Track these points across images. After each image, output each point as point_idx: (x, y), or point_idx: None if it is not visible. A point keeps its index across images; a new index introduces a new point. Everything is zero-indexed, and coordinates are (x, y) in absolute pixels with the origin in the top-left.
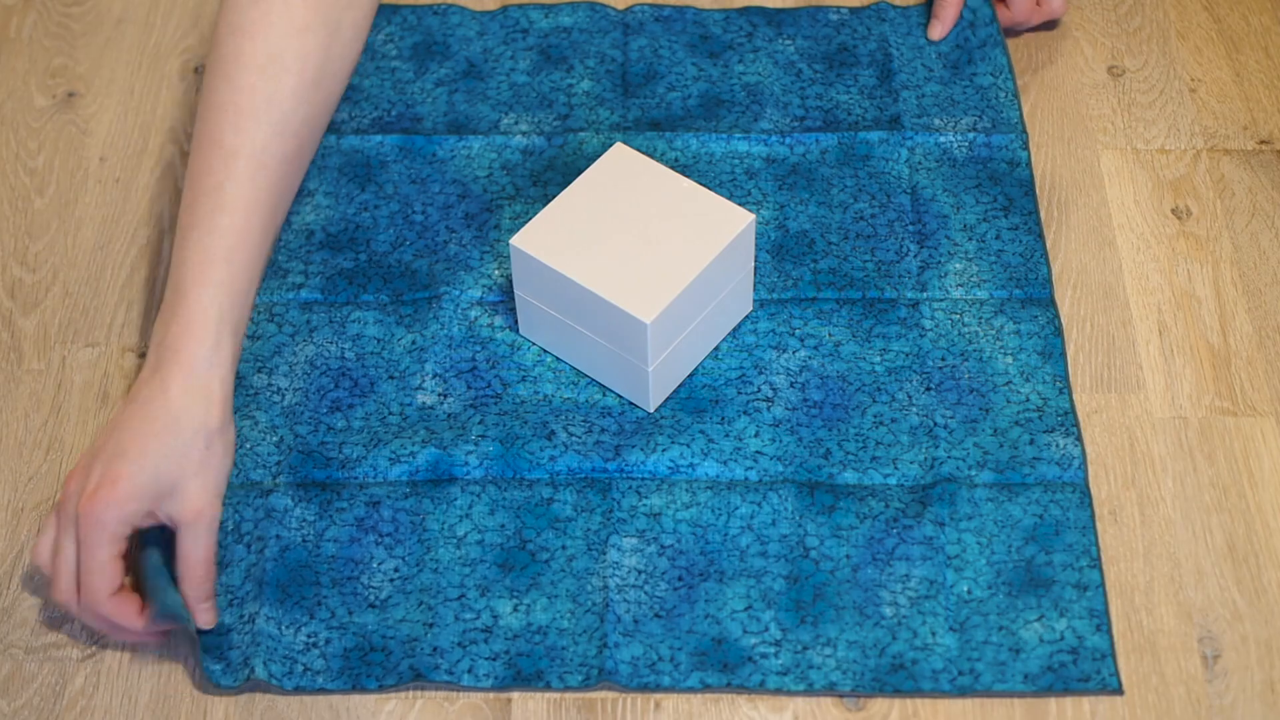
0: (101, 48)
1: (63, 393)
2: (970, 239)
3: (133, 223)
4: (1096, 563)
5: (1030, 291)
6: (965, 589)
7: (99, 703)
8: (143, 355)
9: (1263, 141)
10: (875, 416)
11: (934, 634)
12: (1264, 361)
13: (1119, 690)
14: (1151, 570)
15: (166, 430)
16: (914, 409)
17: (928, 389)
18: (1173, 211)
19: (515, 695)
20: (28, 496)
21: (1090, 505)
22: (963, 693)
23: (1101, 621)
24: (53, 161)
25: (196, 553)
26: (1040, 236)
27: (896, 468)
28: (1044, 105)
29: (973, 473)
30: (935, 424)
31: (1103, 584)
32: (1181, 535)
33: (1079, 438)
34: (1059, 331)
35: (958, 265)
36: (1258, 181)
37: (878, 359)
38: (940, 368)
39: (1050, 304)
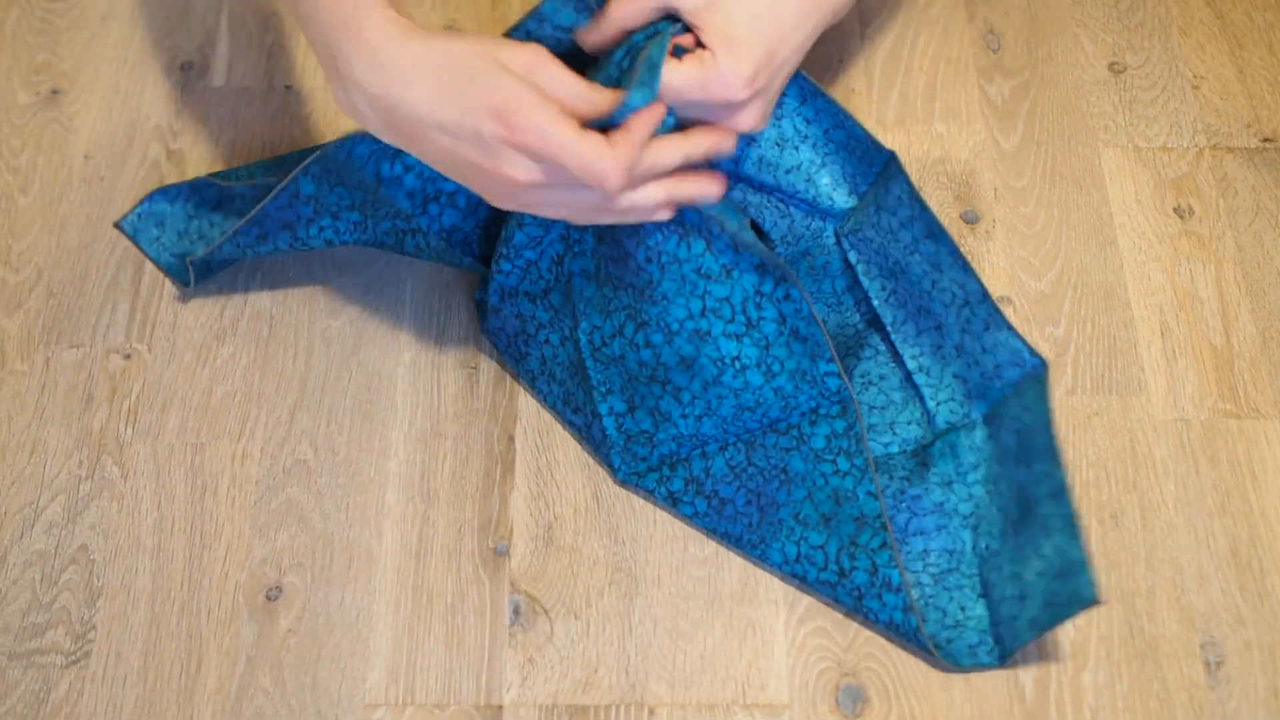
0: (86, 44)
1: (46, 395)
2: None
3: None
4: (1059, 461)
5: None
6: (984, 545)
7: (83, 710)
8: (127, 357)
9: (1266, 139)
10: (863, 376)
11: (963, 609)
12: (1268, 363)
13: (1095, 601)
14: (1153, 575)
15: (449, 67)
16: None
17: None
18: (1175, 210)
19: (507, 702)
20: (10, 500)
21: (1048, 396)
22: (1000, 663)
23: (1074, 529)
24: (36, 160)
25: (568, 89)
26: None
27: (895, 432)
28: (1044, 102)
29: (966, 411)
30: (913, 369)
31: (1066, 484)
32: (1184, 539)
33: (1009, 325)
34: (923, 205)
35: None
36: (1261, 180)
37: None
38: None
39: (890, 168)
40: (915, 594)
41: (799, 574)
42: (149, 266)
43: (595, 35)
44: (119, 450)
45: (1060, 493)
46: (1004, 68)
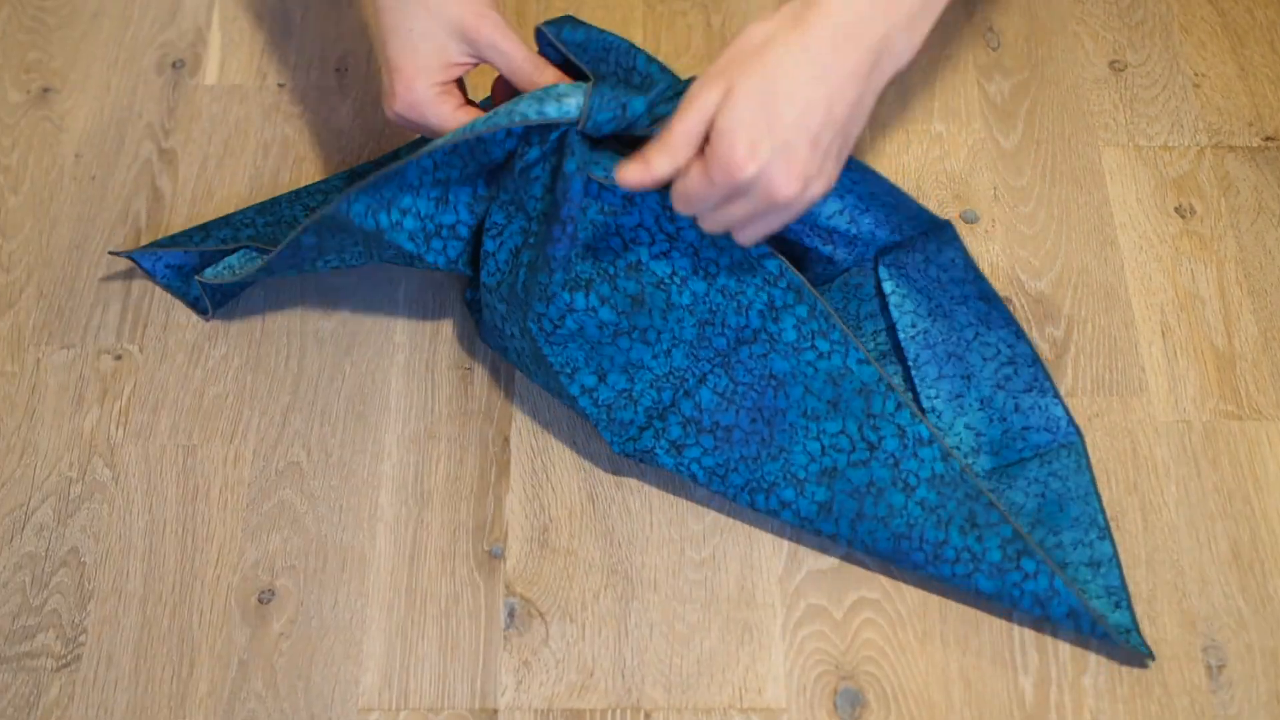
0: (77, 42)
1: (36, 396)
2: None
3: (109, 221)
4: (1106, 533)
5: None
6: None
7: (74, 714)
8: (119, 357)
9: (1268, 138)
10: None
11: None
12: (1269, 364)
13: (1149, 655)
14: (1154, 578)
15: (400, 6)
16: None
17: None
18: (1176, 210)
19: (501, 706)
20: (0, 502)
21: (1089, 468)
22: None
23: (1120, 598)
24: (26, 158)
25: (513, 60)
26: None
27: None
28: (1044, 101)
29: (970, 462)
30: (925, 409)
31: (1115, 555)
32: (1185, 542)
33: (1056, 393)
34: (979, 274)
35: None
36: (1263, 179)
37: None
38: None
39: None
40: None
41: (830, 465)
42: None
43: (649, 174)
44: (110, 452)
45: (1102, 563)
46: (1003, 66)
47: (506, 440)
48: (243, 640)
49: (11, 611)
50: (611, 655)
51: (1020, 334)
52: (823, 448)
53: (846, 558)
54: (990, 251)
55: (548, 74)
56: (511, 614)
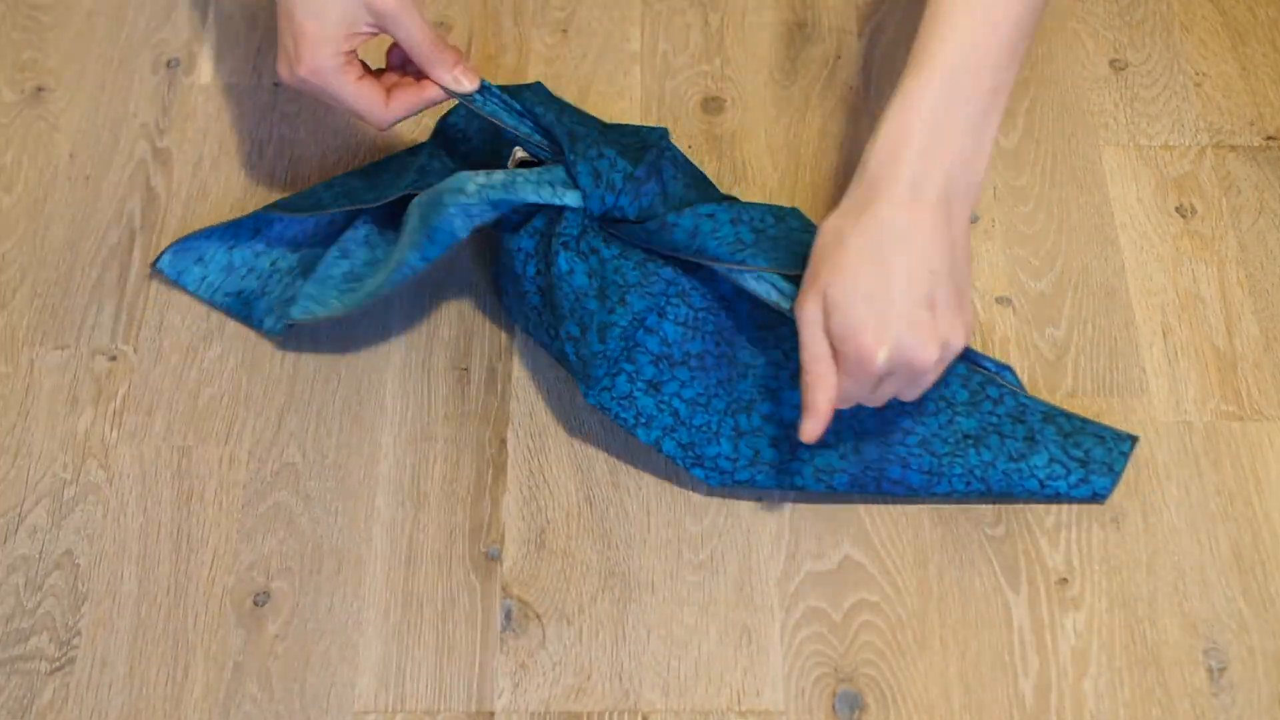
0: (71, 41)
1: (30, 397)
2: None
3: (103, 221)
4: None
5: None
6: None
7: (68, 717)
8: (113, 358)
9: (1270, 137)
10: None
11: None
12: (1271, 365)
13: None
14: (1155, 580)
15: None
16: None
17: None
18: (1177, 210)
19: (498, 709)
20: None
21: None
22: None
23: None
24: (21, 158)
25: (414, 34)
26: None
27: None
28: (1043, 100)
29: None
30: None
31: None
32: (1186, 544)
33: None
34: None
35: None
36: (1265, 178)
37: None
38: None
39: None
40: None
41: (795, 368)
42: (135, 267)
43: (818, 428)
44: (104, 453)
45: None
46: None
47: (503, 442)
48: (238, 643)
49: (5, 614)
50: (609, 658)
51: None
52: (784, 354)
53: (845, 560)
54: (990, 251)
55: (447, 55)
56: (508, 616)
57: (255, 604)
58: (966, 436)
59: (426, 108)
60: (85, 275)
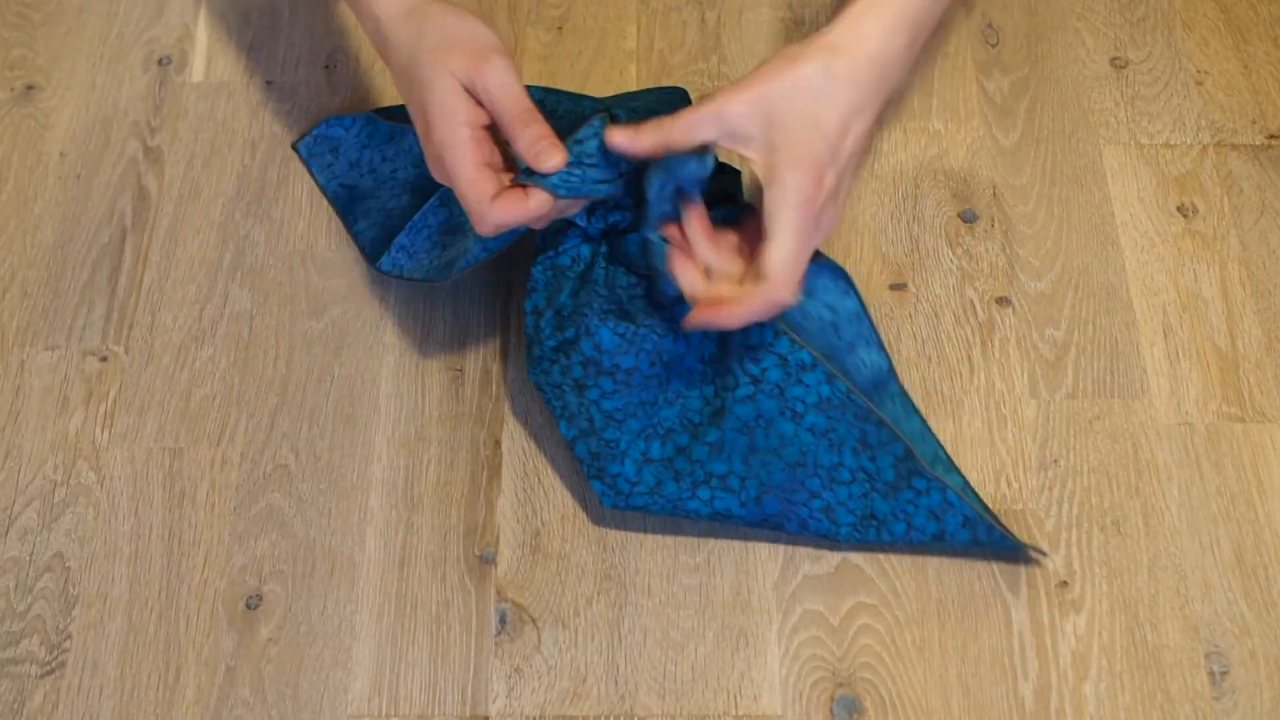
0: (62, 38)
1: (21, 398)
2: None
3: (94, 221)
4: (951, 465)
5: None
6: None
7: None
8: (104, 359)
9: (1272, 136)
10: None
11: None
12: (1273, 365)
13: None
14: (1156, 583)
15: (410, 50)
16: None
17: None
18: (1178, 209)
19: (493, 713)
20: None
21: (917, 411)
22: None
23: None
24: (11, 157)
25: (504, 92)
26: None
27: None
28: (1044, 98)
29: None
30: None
31: (966, 485)
32: (1188, 546)
33: (880, 345)
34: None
35: None
36: (1267, 178)
37: None
38: None
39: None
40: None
41: (720, 405)
42: (126, 267)
43: (634, 143)
44: (95, 455)
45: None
46: (1003, 63)
47: (498, 443)
48: (230, 646)
49: None
50: (604, 662)
51: (848, 289)
52: (715, 389)
53: (843, 563)
54: (989, 251)
55: (534, 126)
56: (503, 620)
57: (248, 607)
58: (872, 516)
59: (529, 222)
60: (76, 275)
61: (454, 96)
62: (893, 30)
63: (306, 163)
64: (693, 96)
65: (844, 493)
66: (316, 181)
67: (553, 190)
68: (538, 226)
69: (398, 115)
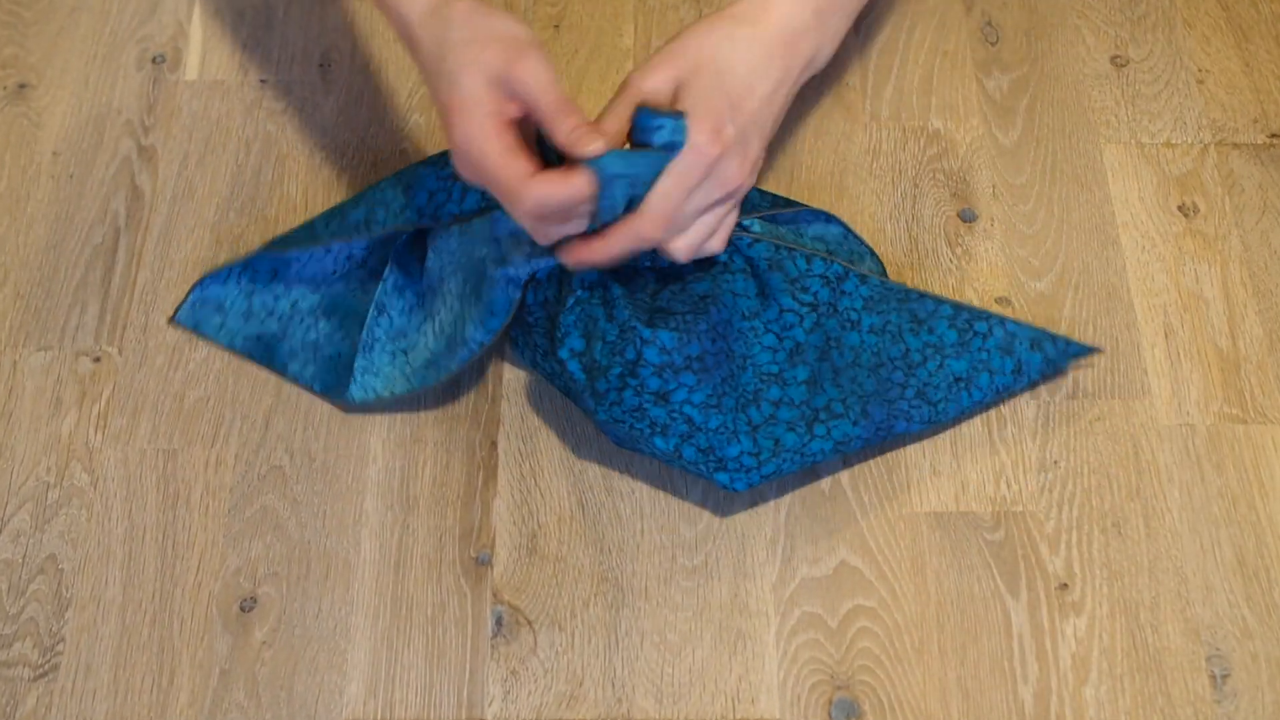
0: (54, 36)
1: (14, 399)
2: None
3: (87, 220)
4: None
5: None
6: None
7: None
8: (97, 359)
9: (1273, 135)
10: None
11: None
12: (1275, 366)
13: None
14: (1157, 585)
15: (437, 47)
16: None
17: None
18: (1179, 209)
19: (489, 717)
20: None
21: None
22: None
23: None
24: (3, 156)
25: (539, 83)
26: None
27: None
28: (1043, 97)
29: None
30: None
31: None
32: (1189, 548)
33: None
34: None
35: None
36: (1268, 177)
37: None
38: None
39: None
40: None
41: (791, 345)
42: (119, 267)
43: (599, 147)
44: (88, 456)
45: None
46: (1002, 61)
47: (494, 445)
48: (224, 649)
49: None
50: (601, 665)
51: (828, 218)
52: (777, 336)
53: (841, 565)
54: (989, 251)
55: (571, 114)
56: (499, 622)
57: (242, 609)
58: (957, 380)
59: (570, 202)
60: (69, 275)
61: (480, 89)
62: (799, 2)
63: (196, 331)
64: None
65: (923, 373)
66: (217, 343)
67: (599, 171)
68: (575, 224)
69: (276, 244)
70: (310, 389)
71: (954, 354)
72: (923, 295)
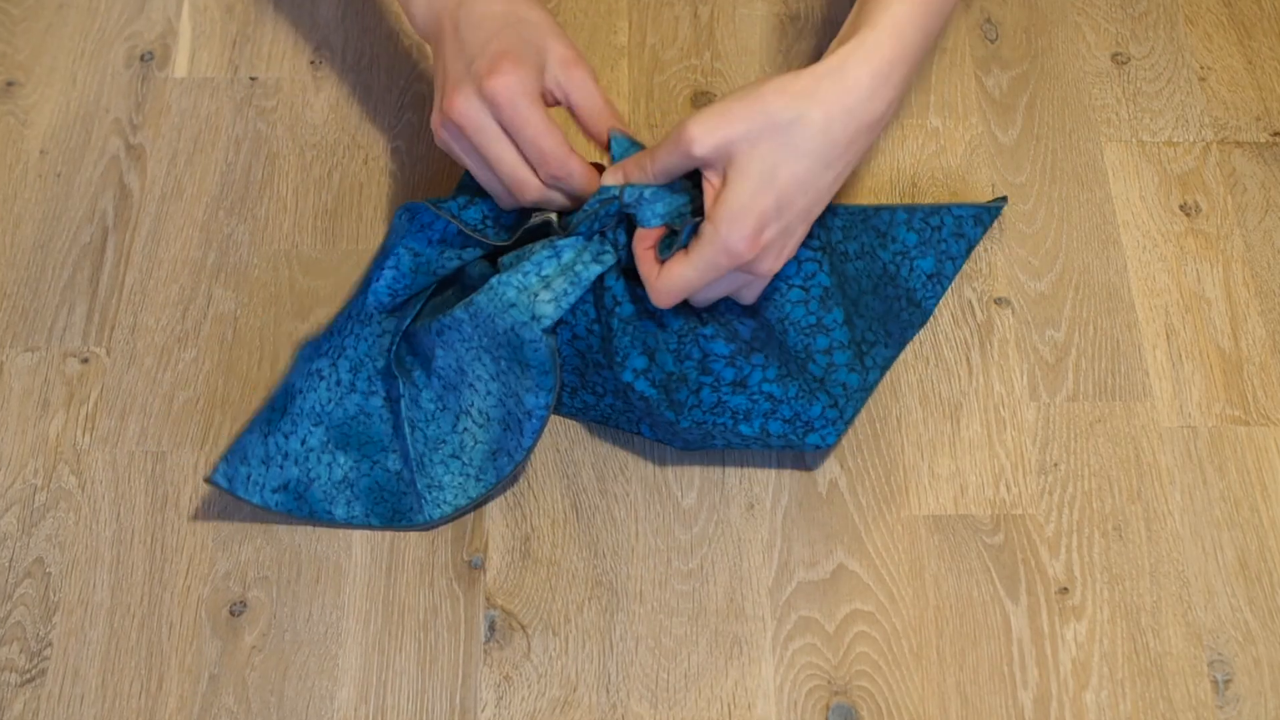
0: (42, 34)
1: (0, 400)
2: None
3: (75, 220)
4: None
5: None
6: None
7: None
8: (85, 360)
9: (1276, 133)
10: None
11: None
12: (1277, 367)
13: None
14: (1158, 589)
15: (510, 14)
16: None
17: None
18: (1181, 208)
19: (485, 718)
20: None
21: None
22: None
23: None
24: None
25: (591, 98)
26: None
27: None
28: (1044, 95)
29: None
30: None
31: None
32: (1190, 552)
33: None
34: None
35: None
36: (1271, 176)
37: None
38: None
39: None
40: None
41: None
42: (107, 267)
43: (612, 177)
44: (76, 458)
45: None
46: (1002, 59)
47: None
48: (213, 654)
49: None
50: (595, 669)
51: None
52: (801, 288)
53: (839, 569)
54: (988, 251)
55: (615, 117)
56: (492, 627)
57: (232, 614)
58: (930, 276)
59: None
60: (56, 275)
61: (538, 66)
62: (882, 75)
63: (232, 493)
64: (684, 94)
65: (903, 280)
66: (258, 506)
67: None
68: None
69: (277, 405)
70: (370, 527)
71: (919, 254)
72: (878, 209)
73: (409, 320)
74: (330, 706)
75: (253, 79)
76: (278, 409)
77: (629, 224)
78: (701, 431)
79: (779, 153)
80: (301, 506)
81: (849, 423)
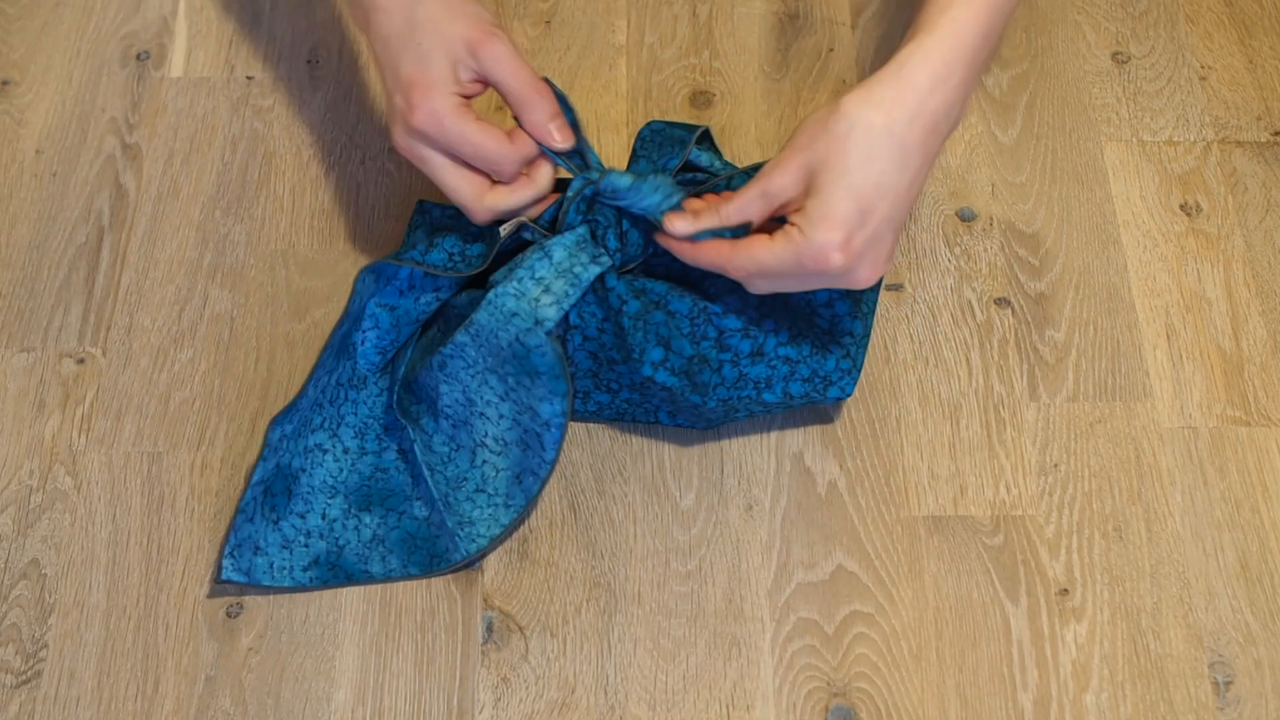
0: (38, 32)
1: None
2: None
3: (71, 220)
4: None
5: None
6: None
7: None
8: (81, 361)
9: (1277, 133)
10: None
11: None
12: (1278, 368)
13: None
14: (1159, 591)
15: (406, 23)
16: None
17: None
18: (1181, 207)
19: (483, 719)
20: None
21: None
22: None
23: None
24: None
25: (510, 70)
26: None
27: None
28: (1044, 94)
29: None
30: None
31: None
32: (1191, 553)
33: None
34: None
35: None
36: (1272, 175)
37: None
38: None
39: None
40: None
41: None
42: (103, 267)
43: (693, 227)
44: (72, 459)
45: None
46: (1002, 58)
47: None
48: (210, 655)
49: None
50: (594, 671)
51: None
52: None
53: (838, 570)
54: (988, 251)
55: (545, 102)
56: (490, 628)
57: (228, 615)
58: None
59: (537, 197)
60: (52, 275)
61: (449, 67)
62: (940, 78)
63: (251, 582)
64: (682, 93)
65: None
66: (282, 588)
67: (555, 163)
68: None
69: (277, 491)
70: (411, 577)
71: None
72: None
73: (403, 369)
74: (327, 708)
75: (249, 78)
76: (278, 493)
77: (620, 228)
78: (726, 408)
79: (848, 160)
80: (337, 575)
81: (860, 368)
